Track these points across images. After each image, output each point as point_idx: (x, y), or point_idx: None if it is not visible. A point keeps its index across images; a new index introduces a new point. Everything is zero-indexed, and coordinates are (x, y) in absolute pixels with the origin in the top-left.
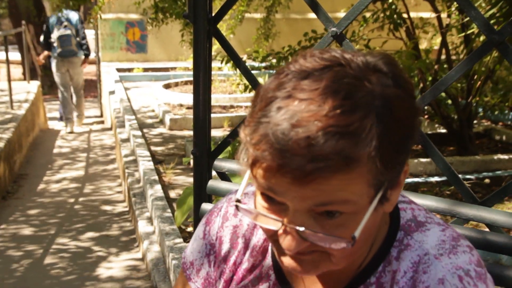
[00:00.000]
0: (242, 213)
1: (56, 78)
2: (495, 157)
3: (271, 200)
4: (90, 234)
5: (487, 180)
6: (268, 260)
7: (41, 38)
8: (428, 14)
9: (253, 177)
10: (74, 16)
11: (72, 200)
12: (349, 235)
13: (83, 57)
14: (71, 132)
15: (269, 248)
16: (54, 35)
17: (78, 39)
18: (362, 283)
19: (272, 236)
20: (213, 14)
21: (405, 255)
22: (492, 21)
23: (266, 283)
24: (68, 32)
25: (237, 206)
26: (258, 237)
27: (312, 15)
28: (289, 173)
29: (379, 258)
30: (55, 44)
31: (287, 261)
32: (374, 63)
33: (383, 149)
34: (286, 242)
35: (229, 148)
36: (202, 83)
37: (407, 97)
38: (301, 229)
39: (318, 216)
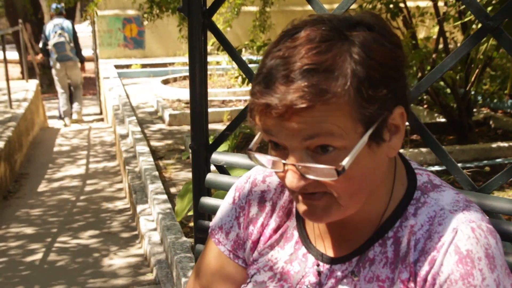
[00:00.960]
0: (253, 161)
1: (56, 80)
2: (495, 145)
3: (278, 147)
4: (92, 232)
5: (487, 168)
6: (293, 221)
7: (40, 44)
8: (425, 3)
9: (255, 124)
10: (68, 24)
11: (73, 198)
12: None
13: (78, 60)
14: (76, 121)
15: (293, 209)
16: (51, 42)
17: (72, 44)
18: (380, 238)
19: (283, 180)
20: (207, 7)
21: (422, 211)
22: (489, 8)
23: (290, 241)
24: (62, 39)
25: (249, 154)
26: (284, 199)
27: (310, 7)
28: (273, 109)
29: (397, 214)
30: (52, 50)
31: (302, 207)
32: (357, 18)
33: (360, 84)
34: (288, 179)
35: (227, 141)
36: (198, 76)
37: (388, 43)
38: (297, 163)
39: (314, 153)
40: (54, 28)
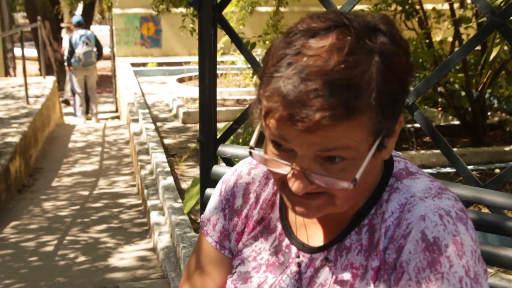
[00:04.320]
0: (255, 159)
1: (75, 84)
2: (508, 148)
3: (281, 147)
4: (103, 226)
5: (497, 170)
6: (276, 213)
7: (66, 52)
8: (441, 6)
9: (266, 127)
10: (91, 34)
11: (86, 193)
12: (351, 177)
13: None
14: (90, 119)
15: (277, 201)
16: (79, 51)
17: (95, 50)
18: (357, 226)
19: (280, 179)
20: (218, 1)
21: (393, 197)
22: (498, 1)
23: (274, 233)
24: (90, 48)
25: (250, 152)
26: (268, 192)
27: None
28: (299, 122)
29: (372, 202)
30: (80, 57)
31: (295, 205)
32: (373, 23)
33: (382, 100)
34: (295, 185)
35: (232, 137)
36: (207, 70)
37: (403, 53)
38: (308, 172)
39: (323, 161)
40: (81, 38)
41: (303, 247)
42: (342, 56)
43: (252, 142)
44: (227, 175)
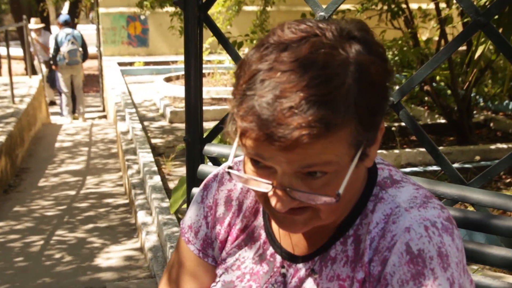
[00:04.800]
0: (234, 179)
1: (61, 81)
2: (494, 146)
3: (260, 164)
4: (91, 226)
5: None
6: (259, 220)
7: (51, 51)
8: (428, 6)
9: (242, 146)
10: (77, 33)
11: (73, 193)
12: (334, 192)
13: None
14: (77, 118)
15: (260, 209)
16: (64, 49)
17: (80, 49)
18: (342, 236)
19: (263, 196)
20: (203, 1)
21: (378, 207)
22: (483, 1)
23: (258, 241)
24: (75, 47)
25: (229, 173)
26: (250, 199)
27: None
28: (276, 141)
29: (356, 212)
30: (64, 56)
31: (280, 221)
32: (347, 30)
33: (360, 112)
34: (277, 203)
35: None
36: (193, 70)
37: (380, 61)
38: (289, 188)
39: (304, 176)
40: (67, 37)
41: (288, 256)
42: (316, 71)
43: (229, 161)
44: (209, 181)
